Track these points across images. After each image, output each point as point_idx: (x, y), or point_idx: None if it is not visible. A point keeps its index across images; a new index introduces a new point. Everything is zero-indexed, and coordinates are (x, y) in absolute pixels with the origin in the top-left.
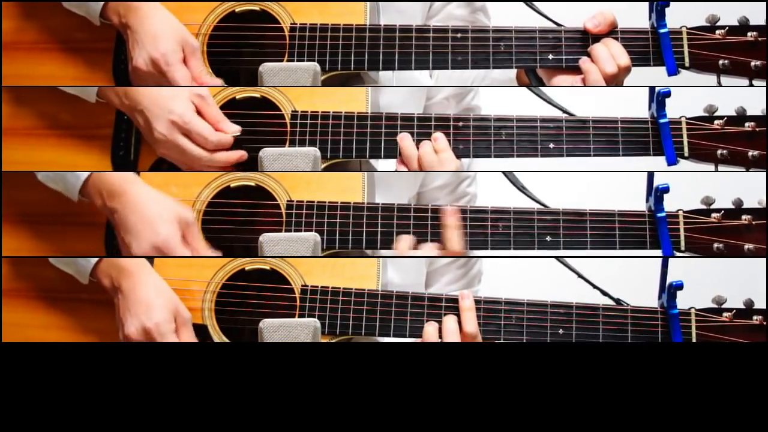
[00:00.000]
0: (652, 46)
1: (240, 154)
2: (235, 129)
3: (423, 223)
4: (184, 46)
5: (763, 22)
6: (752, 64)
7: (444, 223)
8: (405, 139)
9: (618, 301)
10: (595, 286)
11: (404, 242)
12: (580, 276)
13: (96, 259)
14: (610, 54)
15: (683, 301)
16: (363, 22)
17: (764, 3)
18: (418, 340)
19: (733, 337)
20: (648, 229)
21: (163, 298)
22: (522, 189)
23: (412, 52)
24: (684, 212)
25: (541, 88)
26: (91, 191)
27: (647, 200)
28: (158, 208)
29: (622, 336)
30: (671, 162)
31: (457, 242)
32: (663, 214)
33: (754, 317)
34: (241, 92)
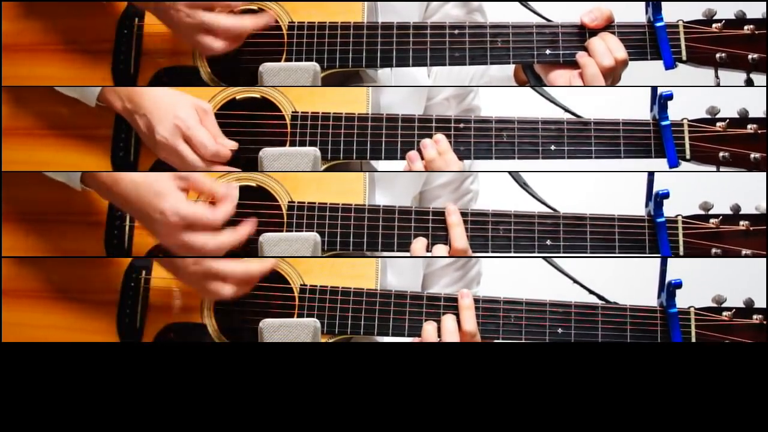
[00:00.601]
0: (649, 40)
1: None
2: (232, 144)
3: (424, 225)
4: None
5: (759, 16)
6: (750, 57)
7: (448, 223)
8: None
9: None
10: (591, 291)
11: (418, 244)
12: (575, 281)
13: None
14: (607, 48)
15: (683, 301)
16: (361, 21)
17: None
18: (417, 339)
19: (733, 337)
20: (647, 234)
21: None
22: (524, 186)
23: (409, 48)
24: (683, 217)
25: (545, 88)
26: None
27: (647, 205)
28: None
29: (621, 335)
30: (673, 164)
31: (462, 240)
32: (662, 220)
33: (754, 316)
34: (241, 92)
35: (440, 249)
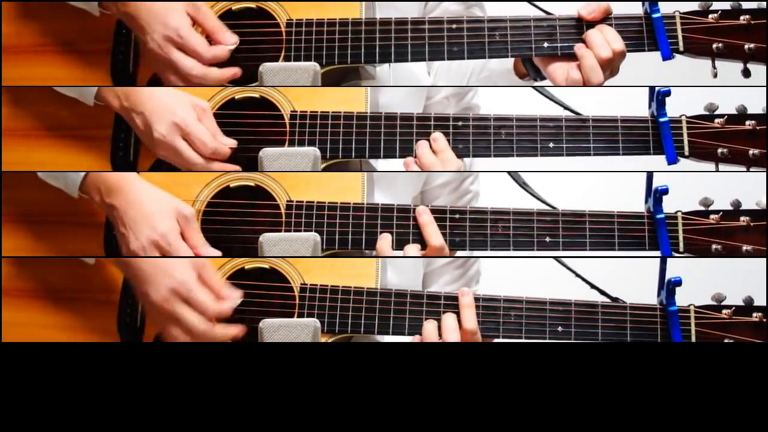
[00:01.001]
0: (646, 32)
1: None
2: (231, 142)
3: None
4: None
5: (755, 6)
6: (746, 47)
7: (419, 223)
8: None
9: (616, 301)
10: (592, 285)
11: (410, 251)
12: (577, 275)
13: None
14: (605, 39)
15: (683, 299)
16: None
17: None
18: (418, 338)
19: (733, 335)
20: (647, 230)
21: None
22: (523, 185)
23: (408, 44)
24: (683, 213)
25: (542, 86)
26: (90, 188)
27: (646, 201)
28: (157, 203)
29: (621, 333)
30: (671, 161)
31: (437, 238)
32: (662, 216)
33: (754, 314)
34: (240, 92)
35: (412, 248)
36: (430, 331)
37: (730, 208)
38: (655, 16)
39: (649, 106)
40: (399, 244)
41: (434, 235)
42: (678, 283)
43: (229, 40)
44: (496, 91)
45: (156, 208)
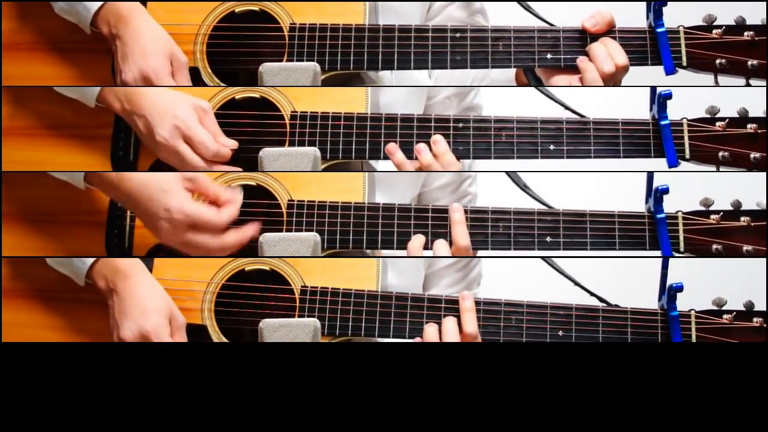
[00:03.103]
0: (649, 46)
1: (253, 232)
2: (232, 143)
3: (424, 223)
4: (173, 61)
5: (759, 22)
6: (749, 63)
7: (451, 220)
8: (395, 155)
9: (615, 307)
10: (591, 293)
11: (416, 242)
12: (576, 284)
13: (91, 261)
14: (608, 53)
15: (683, 302)
16: (362, 22)
17: (762, 3)
18: (419, 340)
19: (733, 340)
20: (647, 230)
21: (159, 302)
22: (524, 188)
23: (411, 51)
24: (683, 213)
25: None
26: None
27: (647, 201)
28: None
29: (621, 338)
30: (672, 164)
31: (464, 238)
32: (662, 215)
33: (754, 319)
34: (240, 92)
35: (441, 244)
36: (431, 334)
37: (731, 208)
38: (659, 30)
39: (650, 109)
40: (400, 244)
41: (462, 235)
42: (679, 289)
43: (229, 143)
44: (498, 92)
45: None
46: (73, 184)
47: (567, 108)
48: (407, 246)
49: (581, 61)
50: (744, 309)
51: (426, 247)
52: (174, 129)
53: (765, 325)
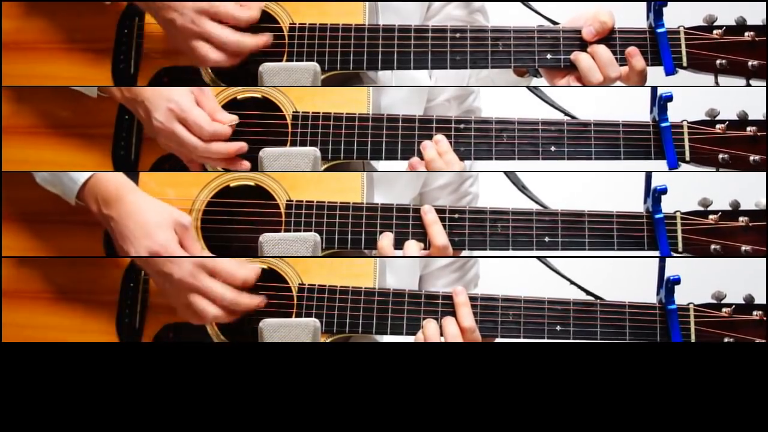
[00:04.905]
0: (650, 46)
1: (239, 146)
2: (232, 118)
3: (421, 222)
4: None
5: (759, 22)
6: (749, 63)
7: (425, 221)
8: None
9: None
10: (588, 292)
11: (385, 240)
12: (572, 283)
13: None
14: (607, 60)
15: (681, 301)
16: (362, 22)
17: (762, 3)
18: (420, 337)
19: (733, 333)
20: (646, 230)
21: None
22: (523, 189)
23: (410, 51)
24: (681, 213)
25: (543, 90)
26: (87, 197)
27: (645, 201)
28: (154, 214)
29: (620, 332)
30: (672, 166)
31: (441, 237)
32: (661, 216)
33: (754, 313)
34: (242, 92)
35: (412, 244)
36: (431, 330)
37: (729, 208)
38: (659, 31)
39: (651, 111)
40: (398, 244)
41: (438, 235)
42: (677, 281)
43: (227, 119)
44: (498, 94)
45: (153, 220)
46: (64, 198)
47: (566, 114)
48: (377, 246)
49: (575, 54)
50: (743, 302)
51: (396, 246)
52: (168, 112)
53: (765, 319)
